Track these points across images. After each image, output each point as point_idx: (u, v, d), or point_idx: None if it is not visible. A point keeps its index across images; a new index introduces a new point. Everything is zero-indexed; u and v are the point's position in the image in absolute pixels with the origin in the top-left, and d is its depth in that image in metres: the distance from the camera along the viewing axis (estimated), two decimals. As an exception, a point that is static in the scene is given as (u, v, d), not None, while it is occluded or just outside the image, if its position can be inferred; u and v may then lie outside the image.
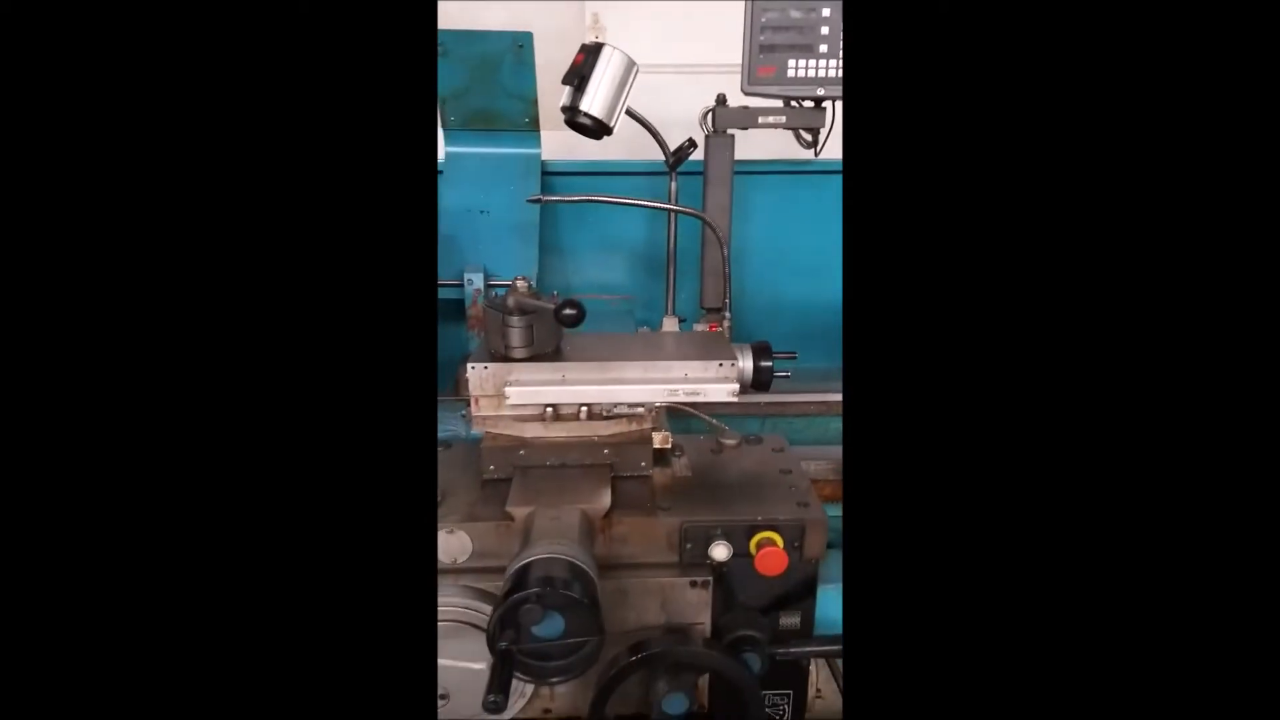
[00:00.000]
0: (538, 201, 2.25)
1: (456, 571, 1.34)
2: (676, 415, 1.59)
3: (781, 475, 1.50)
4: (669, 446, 1.50)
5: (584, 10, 3.44)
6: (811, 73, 2.13)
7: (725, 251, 2.02)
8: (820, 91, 2.15)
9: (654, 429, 1.48)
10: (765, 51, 2.13)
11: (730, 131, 2.25)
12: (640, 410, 1.46)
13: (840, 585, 1.36)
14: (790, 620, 1.40)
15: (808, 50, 2.12)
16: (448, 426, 1.87)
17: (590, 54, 1.90)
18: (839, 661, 1.67)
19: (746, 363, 1.43)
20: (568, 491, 1.37)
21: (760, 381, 1.44)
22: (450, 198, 2.50)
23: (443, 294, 2.43)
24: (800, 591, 1.39)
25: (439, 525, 1.32)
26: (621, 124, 1.98)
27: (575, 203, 2.54)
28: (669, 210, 2.33)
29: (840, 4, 2.06)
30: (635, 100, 1.98)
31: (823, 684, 1.65)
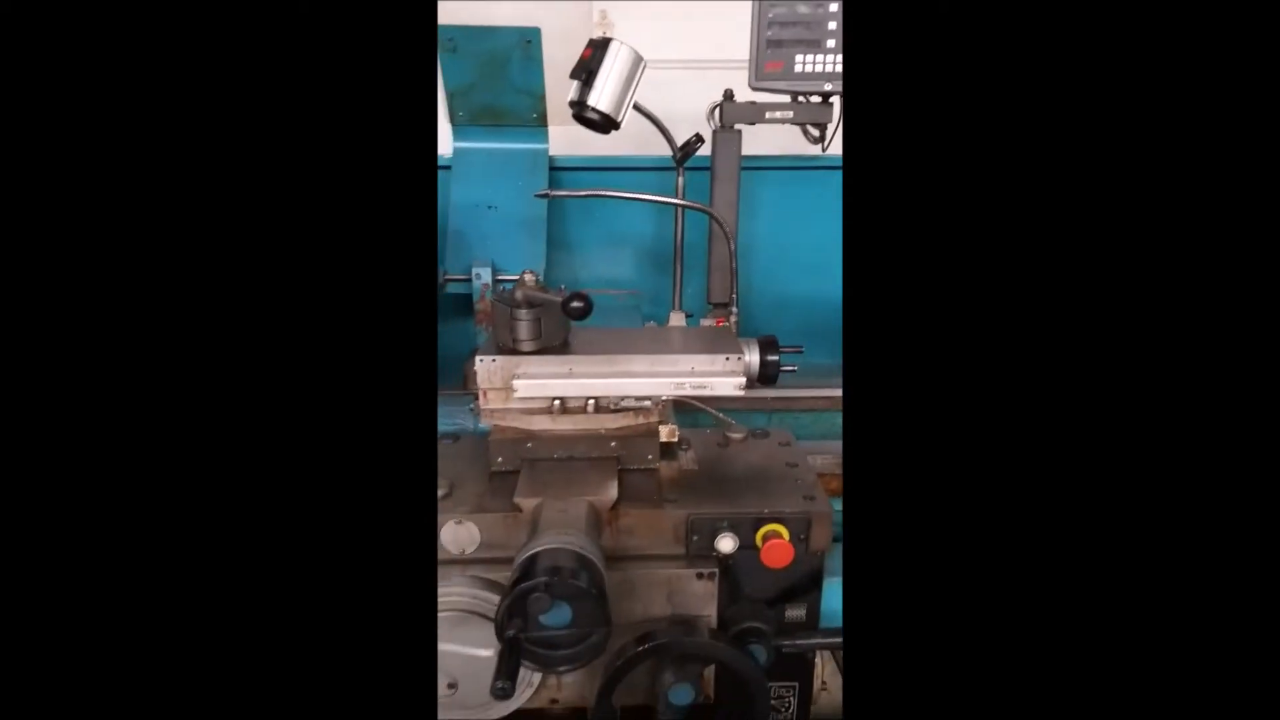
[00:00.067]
0: (545, 196, 2.25)
1: (465, 562, 1.35)
2: (683, 409, 1.59)
3: (788, 469, 1.51)
4: (676, 440, 1.51)
5: (592, 6, 3.44)
6: (819, 68, 2.13)
7: (732, 246, 2.01)
8: (828, 87, 2.15)
9: (661, 422, 1.49)
10: (773, 47, 2.12)
11: (737, 127, 2.25)
12: (647, 404, 1.47)
13: (846, 578, 1.37)
14: (796, 613, 1.41)
15: (815, 45, 2.12)
16: (456, 420, 1.88)
17: (598, 49, 1.90)
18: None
19: (753, 357, 1.43)
20: (575, 483, 1.38)
21: (767, 376, 1.44)
22: (458, 193, 2.51)
23: (451, 288, 2.44)
24: (806, 584, 1.39)
25: (448, 517, 1.33)
26: (629, 119, 1.98)
27: (583, 198, 2.55)
28: (676, 205, 2.33)
29: (847, -1, 2.06)
30: (643, 95, 1.98)
31: (828, 677, 1.64)
